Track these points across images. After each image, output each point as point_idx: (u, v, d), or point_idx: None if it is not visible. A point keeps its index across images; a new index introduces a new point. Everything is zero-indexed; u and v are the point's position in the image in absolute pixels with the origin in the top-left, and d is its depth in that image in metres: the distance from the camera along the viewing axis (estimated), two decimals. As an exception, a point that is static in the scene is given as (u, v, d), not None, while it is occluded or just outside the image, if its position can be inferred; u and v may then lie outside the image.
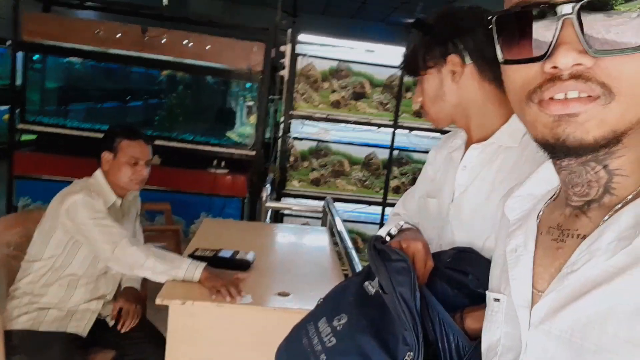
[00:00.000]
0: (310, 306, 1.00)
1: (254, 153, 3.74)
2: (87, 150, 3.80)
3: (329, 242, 2.47)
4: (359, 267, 1.80)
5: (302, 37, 3.73)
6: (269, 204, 3.11)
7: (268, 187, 3.19)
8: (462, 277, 0.88)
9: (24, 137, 3.87)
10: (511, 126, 0.96)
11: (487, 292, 0.65)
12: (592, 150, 0.48)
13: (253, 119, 3.85)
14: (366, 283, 0.90)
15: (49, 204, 1.85)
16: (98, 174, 1.94)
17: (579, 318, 0.48)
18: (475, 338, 0.74)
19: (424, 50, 1.00)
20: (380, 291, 0.84)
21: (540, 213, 0.60)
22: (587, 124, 0.46)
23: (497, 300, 0.61)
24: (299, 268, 2.02)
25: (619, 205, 0.50)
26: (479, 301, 0.76)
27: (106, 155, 1.92)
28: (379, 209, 3.97)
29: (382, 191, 3.93)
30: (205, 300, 1.55)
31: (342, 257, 2.13)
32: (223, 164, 3.80)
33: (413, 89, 3.80)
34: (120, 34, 3.57)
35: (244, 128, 3.91)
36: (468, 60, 0.97)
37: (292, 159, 3.84)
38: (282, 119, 3.84)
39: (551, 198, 0.60)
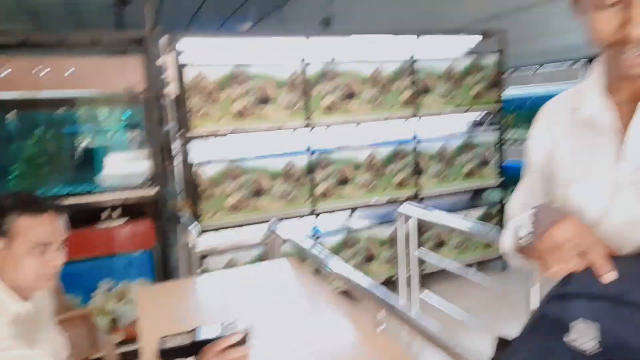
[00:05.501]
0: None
1: (155, 191, 3.05)
2: None
3: (300, 272, 2.00)
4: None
5: (183, 43, 3.14)
6: (200, 247, 2.51)
7: (193, 227, 2.58)
8: None
9: None
10: None
11: None
12: None
13: (142, 150, 3.15)
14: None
15: None
16: (-18, 274, 1.23)
17: None
18: None
19: None
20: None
21: None
22: None
23: None
24: (306, 318, 1.54)
25: None
26: None
27: None
28: (310, 220, 3.55)
29: (309, 201, 3.52)
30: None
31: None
32: (117, 213, 3.04)
33: (319, 83, 3.45)
34: None
35: (134, 164, 3.18)
36: None
37: (201, 188, 3.23)
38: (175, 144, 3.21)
39: None
